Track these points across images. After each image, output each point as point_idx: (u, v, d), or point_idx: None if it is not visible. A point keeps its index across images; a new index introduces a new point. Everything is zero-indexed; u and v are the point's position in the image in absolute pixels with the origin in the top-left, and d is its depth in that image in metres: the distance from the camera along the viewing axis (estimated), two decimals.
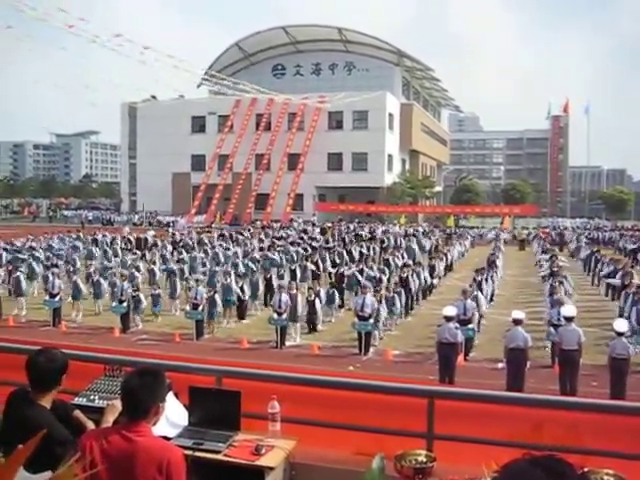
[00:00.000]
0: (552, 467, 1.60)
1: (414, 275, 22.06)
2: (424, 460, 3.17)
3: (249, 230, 44.63)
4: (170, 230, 48.66)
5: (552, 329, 15.43)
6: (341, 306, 21.92)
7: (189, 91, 74.11)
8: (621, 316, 17.70)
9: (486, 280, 21.38)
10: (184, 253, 29.44)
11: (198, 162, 69.65)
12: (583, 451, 3.92)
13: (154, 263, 26.16)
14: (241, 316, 20.73)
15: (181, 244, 34.18)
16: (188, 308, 19.05)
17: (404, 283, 20.91)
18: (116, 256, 30.09)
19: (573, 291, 21.54)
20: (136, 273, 23.05)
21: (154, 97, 75.98)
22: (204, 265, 27.31)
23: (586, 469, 2.91)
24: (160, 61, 43.76)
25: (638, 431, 4.30)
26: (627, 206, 72.64)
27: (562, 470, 1.59)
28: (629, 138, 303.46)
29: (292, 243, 34.49)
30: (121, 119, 76.44)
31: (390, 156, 68.28)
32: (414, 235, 41.92)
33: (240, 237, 38.68)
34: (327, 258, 27.66)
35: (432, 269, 25.93)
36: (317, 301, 19.06)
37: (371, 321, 16.66)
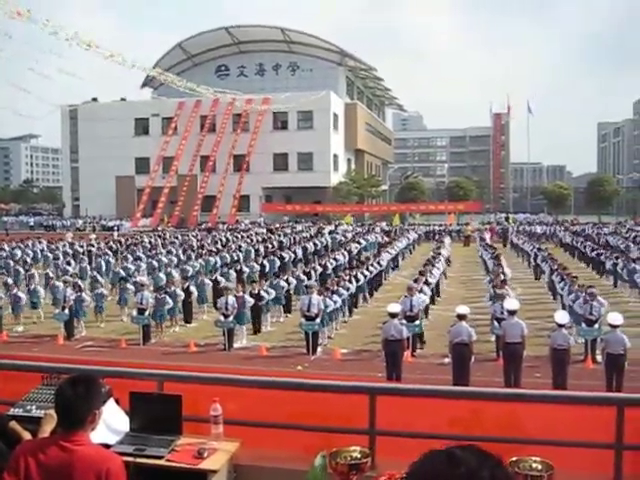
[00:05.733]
0: (452, 457, 1.68)
1: (352, 278, 21.82)
2: (358, 456, 3.20)
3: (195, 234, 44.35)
4: (115, 234, 48.02)
5: (496, 323, 15.73)
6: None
7: (131, 93, 73.22)
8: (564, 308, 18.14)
9: (430, 274, 21.59)
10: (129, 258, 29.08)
11: (142, 165, 68.78)
12: (517, 440, 4.03)
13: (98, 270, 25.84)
14: (187, 320, 20.53)
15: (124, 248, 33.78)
16: (134, 313, 18.79)
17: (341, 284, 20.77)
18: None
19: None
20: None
21: (95, 99, 74.77)
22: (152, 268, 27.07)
23: (514, 458, 2.99)
24: (107, 58, 42.67)
25: (574, 419, 4.44)
26: (567, 201, 74.36)
27: (460, 460, 1.66)
28: (568, 135, 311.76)
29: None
30: (61, 122, 74.96)
31: (335, 156, 68.58)
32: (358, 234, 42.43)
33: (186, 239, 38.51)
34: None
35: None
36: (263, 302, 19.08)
37: (317, 321, 16.68)
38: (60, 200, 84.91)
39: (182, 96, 63.92)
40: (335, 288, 18.85)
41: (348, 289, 19.96)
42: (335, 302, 17.82)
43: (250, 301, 18.27)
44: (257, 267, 25.87)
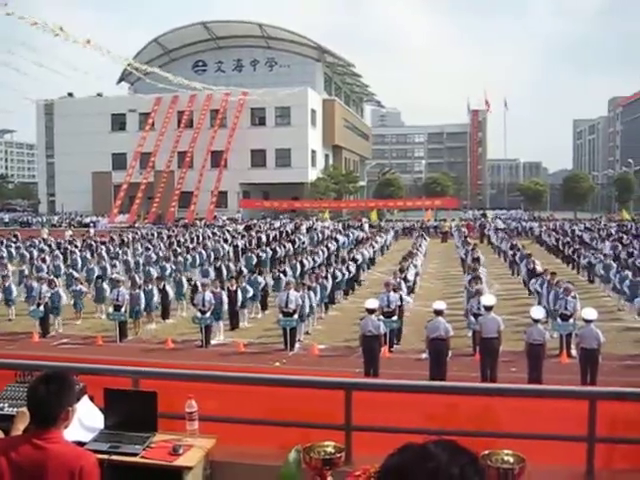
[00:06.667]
0: (420, 455, 1.69)
1: (328, 275, 21.89)
2: (332, 451, 3.21)
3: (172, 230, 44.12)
4: (92, 231, 47.57)
5: (472, 318, 15.85)
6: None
7: (108, 89, 72.58)
8: (540, 303, 18.30)
9: (407, 270, 21.76)
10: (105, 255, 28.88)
11: (119, 161, 68.25)
12: (492, 434, 4.06)
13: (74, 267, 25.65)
14: (165, 316, 20.46)
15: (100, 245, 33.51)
16: (110, 310, 18.69)
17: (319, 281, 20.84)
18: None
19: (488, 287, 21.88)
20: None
21: (71, 94, 74.06)
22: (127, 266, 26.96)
23: (486, 451, 3.02)
24: (84, 45, 42.12)
25: (548, 412, 4.49)
26: (543, 197, 75.02)
27: (432, 455, 1.67)
28: (544, 132, 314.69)
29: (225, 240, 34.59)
30: (37, 117, 74.17)
31: (313, 152, 68.55)
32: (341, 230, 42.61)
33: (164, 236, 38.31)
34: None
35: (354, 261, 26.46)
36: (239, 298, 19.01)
37: (295, 317, 16.70)
38: (35, 196, 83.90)
39: (160, 92, 63.54)
40: (314, 285, 18.90)
41: (325, 287, 20.02)
42: (310, 298, 17.86)
43: (226, 300, 18.24)
44: (233, 267, 25.76)
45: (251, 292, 19.88)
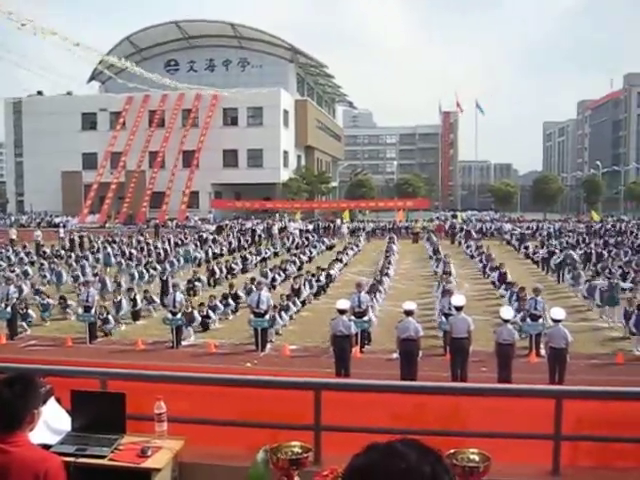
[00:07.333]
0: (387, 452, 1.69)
1: (306, 284, 22.41)
2: (299, 451, 3.21)
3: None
4: (61, 231, 47.00)
5: (443, 318, 15.97)
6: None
7: (78, 89, 71.59)
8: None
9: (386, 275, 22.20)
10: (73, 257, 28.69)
11: (89, 160, 67.46)
12: (460, 433, 4.10)
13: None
14: (135, 317, 20.30)
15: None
16: (80, 311, 18.49)
17: (296, 293, 21.11)
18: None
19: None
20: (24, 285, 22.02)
21: (40, 93, 73.16)
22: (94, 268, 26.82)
23: (452, 450, 3.04)
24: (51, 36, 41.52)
25: (517, 411, 4.54)
26: (513, 198, 75.72)
27: (401, 455, 1.67)
28: (515, 134, 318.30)
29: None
30: (5, 115, 73.10)
31: (285, 152, 68.46)
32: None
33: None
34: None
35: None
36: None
37: (267, 317, 16.68)
38: (4, 195, 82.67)
39: (131, 91, 63.01)
40: (284, 303, 19.16)
41: (295, 303, 20.25)
42: (281, 317, 18.15)
43: (198, 319, 18.19)
44: (205, 280, 25.57)
45: (222, 309, 19.97)
